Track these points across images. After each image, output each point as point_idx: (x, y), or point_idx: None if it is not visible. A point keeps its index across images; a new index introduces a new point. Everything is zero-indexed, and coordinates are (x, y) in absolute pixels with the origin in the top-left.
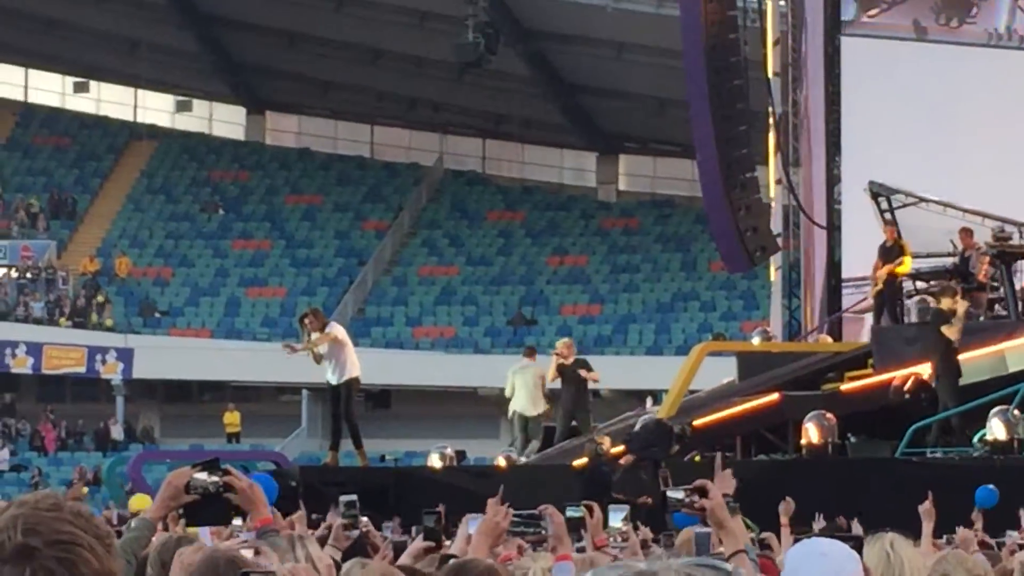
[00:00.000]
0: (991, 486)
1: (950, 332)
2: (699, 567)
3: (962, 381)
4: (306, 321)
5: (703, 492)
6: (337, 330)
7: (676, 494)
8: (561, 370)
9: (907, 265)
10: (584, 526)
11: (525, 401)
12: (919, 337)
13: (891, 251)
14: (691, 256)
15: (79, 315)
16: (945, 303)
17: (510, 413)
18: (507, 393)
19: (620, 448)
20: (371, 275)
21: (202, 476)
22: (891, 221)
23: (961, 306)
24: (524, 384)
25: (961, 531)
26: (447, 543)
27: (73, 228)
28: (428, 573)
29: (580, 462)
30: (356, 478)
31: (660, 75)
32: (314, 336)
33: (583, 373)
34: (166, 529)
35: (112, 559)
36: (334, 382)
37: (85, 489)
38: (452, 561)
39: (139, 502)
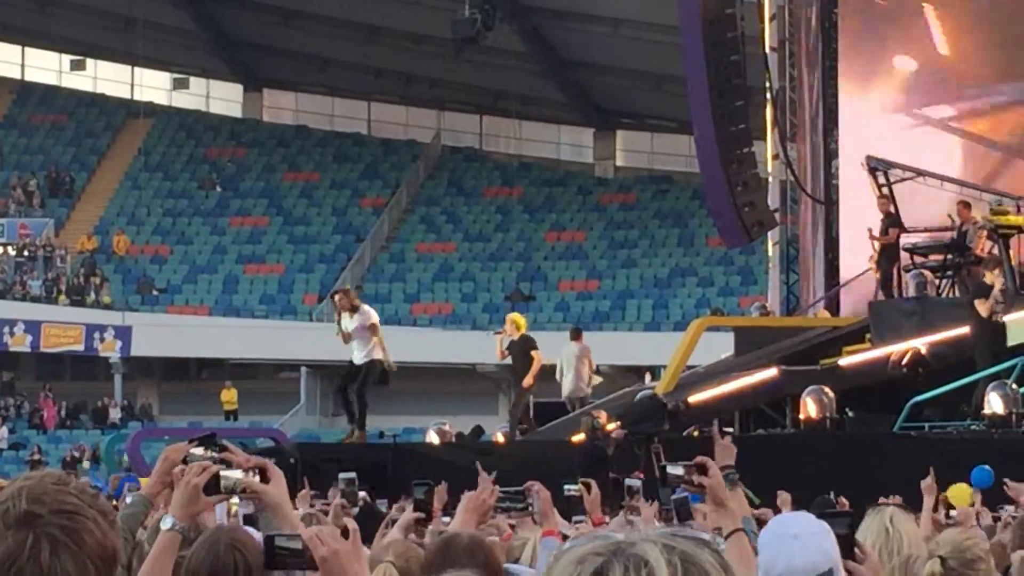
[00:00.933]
0: (986, 466)
1: (985, 306)
2: (677, 536)
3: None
4: (336, 299)
5: (703, 469)
6: (374, 316)
7: (676, 470)
8: (510, 347)
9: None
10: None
11: (571, 383)
12: (916, 311)
13: (883, 224)
14: (689, 232)
15: (77, 293)
16: (990, 277)
17: (563, 396)
18: (557, 376)
19: (615, 424)
20: (369, 252)
21: (199, 451)
22: (885, 195)
23: (998, 282)
24: (570, 366)
25: (960, 509)
26: (445, 520)
27: (71, 206)
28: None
29: (578, 438)
30: (354, 455)
31: (657, 51)
32: (344, 316)
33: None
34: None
35: (115, 534)
36: (357, 361)
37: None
38: (440, 536)
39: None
